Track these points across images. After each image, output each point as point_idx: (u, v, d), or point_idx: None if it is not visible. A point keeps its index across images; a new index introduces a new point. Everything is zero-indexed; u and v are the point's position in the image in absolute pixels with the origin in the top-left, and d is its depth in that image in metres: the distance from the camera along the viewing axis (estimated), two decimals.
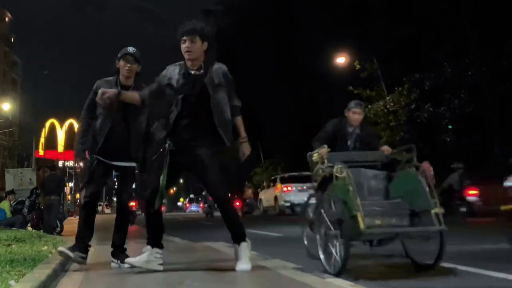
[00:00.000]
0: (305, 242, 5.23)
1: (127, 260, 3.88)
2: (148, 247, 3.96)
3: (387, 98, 19.72)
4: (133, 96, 4.14)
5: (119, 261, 4.41)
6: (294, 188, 20.20)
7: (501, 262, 4.34)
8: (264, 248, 6.00)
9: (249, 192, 26.09)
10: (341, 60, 22.42)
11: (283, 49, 32.73)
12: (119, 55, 4.51)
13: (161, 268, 3.92)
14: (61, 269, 4.13)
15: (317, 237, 4.24)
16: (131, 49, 4.50)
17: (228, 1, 41.17)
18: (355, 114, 5.05)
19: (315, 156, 4.56)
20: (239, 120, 4.04)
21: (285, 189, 20.56)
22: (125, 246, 4.65)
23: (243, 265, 3.83)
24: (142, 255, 3.95)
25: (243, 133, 4.06)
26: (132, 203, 21.27)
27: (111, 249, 4.56)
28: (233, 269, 3.99)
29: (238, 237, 3.92)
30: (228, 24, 41.85)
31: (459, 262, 4.23)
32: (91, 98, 4.47)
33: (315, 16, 28.39)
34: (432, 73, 19.20)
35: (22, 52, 61.69)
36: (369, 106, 19.56)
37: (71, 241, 5.98)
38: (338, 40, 23.01)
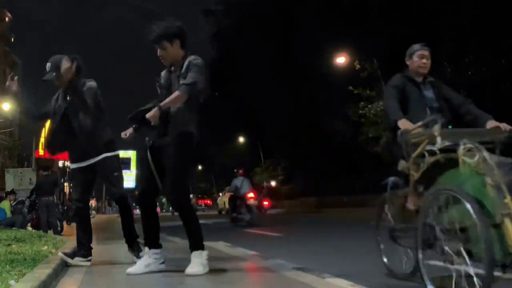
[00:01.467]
0: (384, 258, 3.81)
1: (127, 271, 3.88)
2: (146, 249, 3.96)
3: None
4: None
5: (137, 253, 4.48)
6: None
7: None
8: (264, 248, 6.00)
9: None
10: (341, 60, 22.41)
11: (283, 49, 32.67)
12: None
13: (163, 267, 3.93)
14: (61, 269, 4.13)
15: (419, 254, 2.89)
16: (47, 67, 4.39)
17: (228, 1, 41.11)
18: (423, 58, 3.72)
19: (415, 134, 3.06)
20: (175, 94, 3.70)
21: None
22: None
23: (191, 268, 3.68)
24: (140, 261, 3.96)
25: (163, 102, 3.68)
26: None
27: (126, 246, 4.63)
28: (233, 269, 3.99)
29: (193, 245, 3.79)
30: (228, 24, 41.78)
31: None
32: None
33: (315, 16, 28.35)
34: (432, 73, 19.14)
35: (22, 52, 61.59)
36: (369, 106, 19.56)
37: (71, 241, 6.00)
38: (338, 40, 22.97)
